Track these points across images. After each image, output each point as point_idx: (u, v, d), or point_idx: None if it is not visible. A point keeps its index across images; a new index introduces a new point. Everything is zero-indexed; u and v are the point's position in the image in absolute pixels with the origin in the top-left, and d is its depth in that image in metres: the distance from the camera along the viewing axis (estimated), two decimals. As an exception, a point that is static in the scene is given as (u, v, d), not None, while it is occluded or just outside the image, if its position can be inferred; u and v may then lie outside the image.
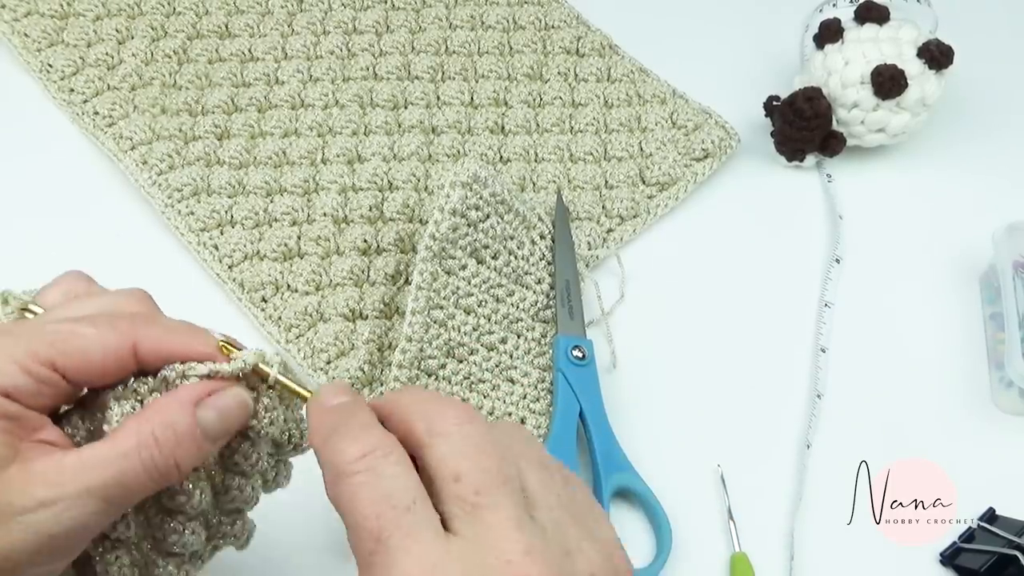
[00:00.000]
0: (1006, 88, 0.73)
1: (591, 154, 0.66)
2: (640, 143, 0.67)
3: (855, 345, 0.59)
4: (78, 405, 0.35)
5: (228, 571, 0.45)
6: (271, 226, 0.60)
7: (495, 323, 0.56)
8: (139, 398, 0.35)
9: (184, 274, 0.59)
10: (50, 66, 0.67)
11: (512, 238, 0.58)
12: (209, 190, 0.61)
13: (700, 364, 0.58)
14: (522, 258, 0.58)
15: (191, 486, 0.36)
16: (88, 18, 0.69)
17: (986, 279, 0.62)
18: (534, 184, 0.64)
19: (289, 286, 0.58)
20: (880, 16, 0.66)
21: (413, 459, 0.33)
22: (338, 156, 0.64)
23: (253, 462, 0.38)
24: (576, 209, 0.63)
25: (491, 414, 0.54)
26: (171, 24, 0.70)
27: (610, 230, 0.63)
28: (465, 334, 0.55)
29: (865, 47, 0.64)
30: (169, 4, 0.71)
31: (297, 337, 0.56)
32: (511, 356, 0.56)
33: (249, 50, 0.69)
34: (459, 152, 0.65)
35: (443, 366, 0.54)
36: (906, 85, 0.63)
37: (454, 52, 0.71)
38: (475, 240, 0.56)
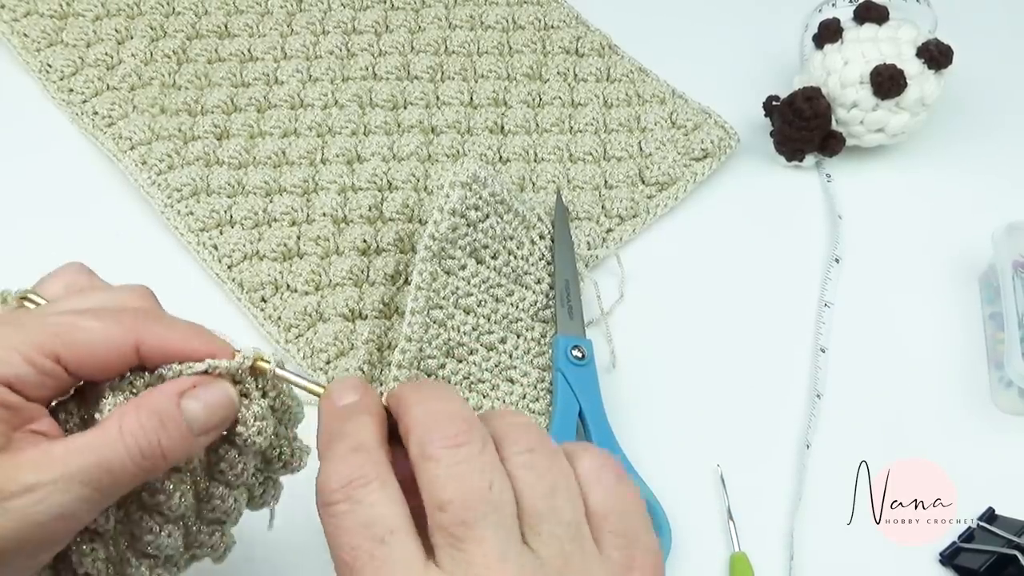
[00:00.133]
0: (1005, 88, 0.73)
1: (590, 154, 0.66)
2: (640, 143, 0.67)
3: (855, 345, 0.59)
4: (73, 395, 0.35)
5: (229, 571, 0.45)
6: (270, 226, 0.60)
7: (494, 323, 0.56)
8: (134, 391, 0.35)
9: (183, 274, 0.59)
10: (49, 66, 0.66)
11: (511, 238, 0.58)
12: (208, 190, 0.61)
13: (700, 364, 0.58)
14: (521, 258, 0.58)
15: (172, 487, 0.35)
16: (87, 18, 0.69)
17: (986, 279, 0.62)
18: (533, 184, 0.64)
19: (289, 286, 0.58)
20: (879, 16, 0.66)
21: None
22: (337, 156, 0.64)
23: (238, 472, 0.37)
24: (575, 209, 0.63)
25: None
26: (170, 24, 0.70)
27: (609, 230, 0.63)
28: (464, 334, 0.55)
29: (864, 47, 0.64)
30: (168, 4, 0.71)
31: (297, 337, 0.56)
32: (510, 356, 0.56)
33: (248, 50, 0.69)
34: (458, 152, 0.65)
35: (443, 366, 0.54)
36: (905, 85, 0.63)
37: (453, 52, 0.71)
38: (474, 240, 0.56)
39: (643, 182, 0.65)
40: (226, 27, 0.71)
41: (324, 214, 0.61)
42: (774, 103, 0.67)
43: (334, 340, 0.56)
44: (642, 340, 0.59)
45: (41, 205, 0.62)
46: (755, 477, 0.54)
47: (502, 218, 0.57)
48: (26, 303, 0.36)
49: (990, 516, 0.53)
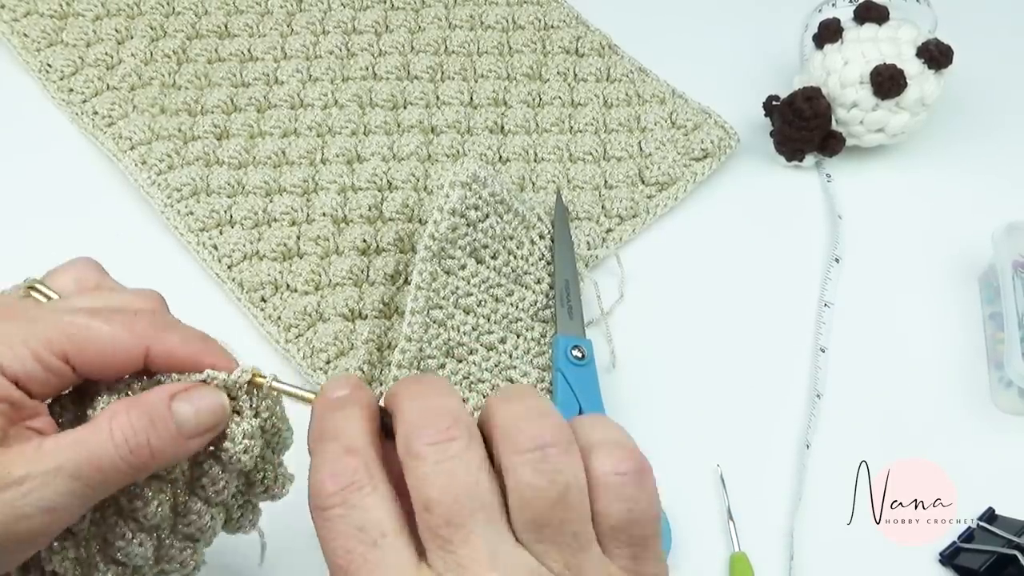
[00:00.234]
0: (1005, 88, 0.73)
1: (590, 154, 0.66)
2: (639, 143, 0.67)
3: (855, 345, 0.59)
4: (69, 392, 0.35)
5: (228, 571, 0.45)
6: (270, 226, 0.60)
7: (494, 323, 0.56)
8: (129, 392, 0.35)
9: (183, 274, 0.59)
10: (49, 66, 0.66)
11: (511, 238, 0.58)
12: (208, 190, 0.61)
13: (699, 364, 0.58)
14: (521, 258, 0.58)
15: (151, 494, 0.35)
16: (87, 18, 0.69)
17: (985, 279, 0.62)
18: (533, 184, 0.64)
19: (288, 286, 0.58)
20: (879, 16, 0.66)
21: None
22: (337, 156, 0.64)
23: (219, 489, 0.37)
24: (575, 209, 0.63)
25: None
26: (170, 24, 0.70)
27: (609, 230, 0.63)
28: (464, 334, 0.55)
29: (864, 47, 0.64)
30: (168, 4, 0.71)
31: (296, 337, 0.56)
32: (510, 356, 0.56)
33: (248, 50, 0.69)
34: (458, 152, 0.65)
35: (442, 366, 0.54)
36: (905, 85, 0.63)
37: (453, 52, 0.71)
38: (474, 240, 0.56)
39: (643, 182, 0.65)
40: (226, 27, 0.71)
41: (324, 214, 0.61)
42: (774, 103, 0.67)
43: (334, 340, 0.56)
44: (642, 340, 0.59)
45: (41, 205, 0.62)
46: (755, 477, 0.54)
47: (502, 218, 0.57)
48: (34, 294, 0.36)
49: (990, 516, 0.53)
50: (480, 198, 0.55)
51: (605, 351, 0.57)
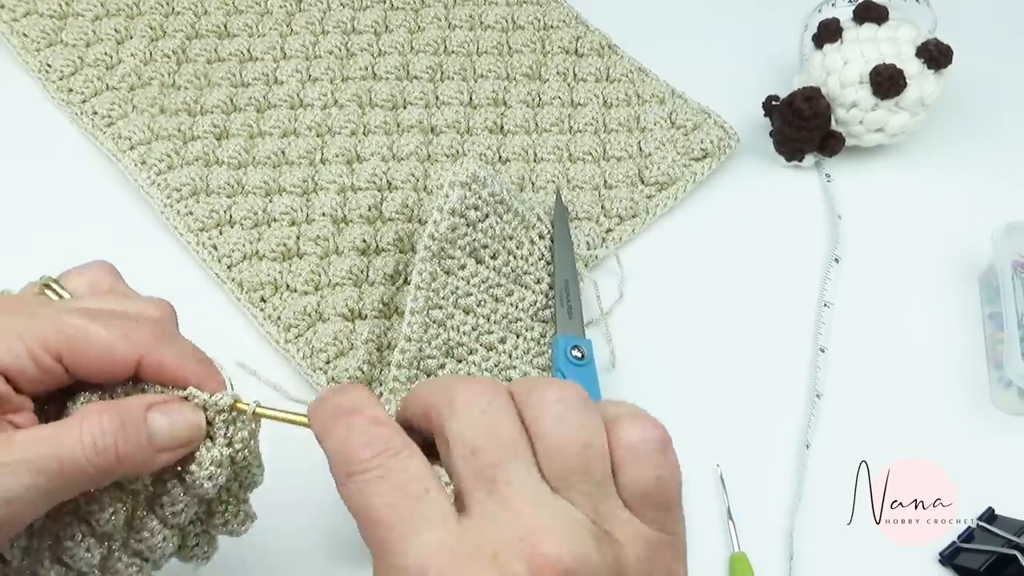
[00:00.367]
0: (1005, 88, 0.73)
1: (590, 154, 0.66)
2: (639, 143, 0.67)
3: (854, 345, 0.59)
4: (62, 391, 0.35)
5: (230, 571, 0.45)
6: (270, 226, 0.60)
7: (494, 323, 0.56)
8: (112, 396, 0.35)
9: (183, 274, 0.59)
10: (49, 66, 0.66)
11: (511, 238, 0.58)
12: (208, 190, 0.61)
13: (699, 364, 0.58)
14: (521, 258, 0.58)
15: (107, 500, 0.35)
16: (87, 18, 0.69)
17: (985, 279, 0.62)
18: (533, 184, 0.64)
19: (288, 286, 0.58)
20: (879, 16, 0.66)
21: (429, 448, 0.33)
22: (337, 156, 0.64)
23: (177, 511, 0.37)
24: (575, 209, 0.63)
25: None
26: (170, 24, 0.70)
27: (609, 230, 0.63)
28: (464, 334, 0.55)
29: (864, 47, 0.64)
30: (168, 4, 0.71)
31: (296, 337, 0.56)
32: (510, 356, 0.56)
33: (248, 50, 0.69)
34: (458, 152, 0.65)
35: (442, 366, 0.54)
36: (905, 85, 0.63)
37: (453, 52, 0.71)
38: (474, 240, 0.56)
39: (643, 182, 0.65)
40: (226, 27, 0.71)
41: (324, 214, 0.61)
42: (774, 103, 0.67)
43: (334, 340, 0.56)
44: (642, 340, 0.59)
45: (41, 205, 0.62)
46: (755, 477, 0.54)
47: (502, 218, 0.57)
48: (47, 291, 0.36)
49: (990, 516, 0.53)
50: (480, 198, 0.55)
51: (605, 351, 0.57)
